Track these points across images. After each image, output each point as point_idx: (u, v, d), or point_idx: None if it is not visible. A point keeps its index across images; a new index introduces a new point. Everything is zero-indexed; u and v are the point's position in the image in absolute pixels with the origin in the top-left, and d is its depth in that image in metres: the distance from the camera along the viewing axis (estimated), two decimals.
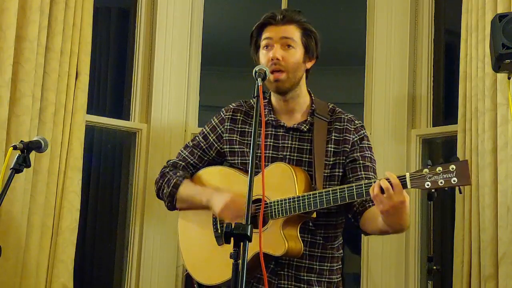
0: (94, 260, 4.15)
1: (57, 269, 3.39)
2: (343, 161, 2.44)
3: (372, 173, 2.43)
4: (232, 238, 1.89)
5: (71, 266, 3.44)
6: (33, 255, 3.29)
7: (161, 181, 2.59)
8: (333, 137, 2.46)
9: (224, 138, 2.54)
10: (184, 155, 2.62)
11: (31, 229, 3.29)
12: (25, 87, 3.27)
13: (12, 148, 2.43)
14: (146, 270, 3.83)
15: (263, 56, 2.43)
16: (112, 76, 4.28)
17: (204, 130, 2.62)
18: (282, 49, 2.41)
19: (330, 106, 2.54)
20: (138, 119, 4.01)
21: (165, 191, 2.56)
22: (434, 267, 3.30)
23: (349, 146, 2.44)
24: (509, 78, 3.05)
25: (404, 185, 2.13)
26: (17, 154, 2.44)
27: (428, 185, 2.12)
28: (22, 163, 2.42)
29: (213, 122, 2.60)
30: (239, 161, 2.50)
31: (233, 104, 2.61)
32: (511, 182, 3.24)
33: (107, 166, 4.28)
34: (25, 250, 3.26)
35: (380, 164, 4.02)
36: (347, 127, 2.47)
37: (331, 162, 2.43)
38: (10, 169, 2.41)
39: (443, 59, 4.11)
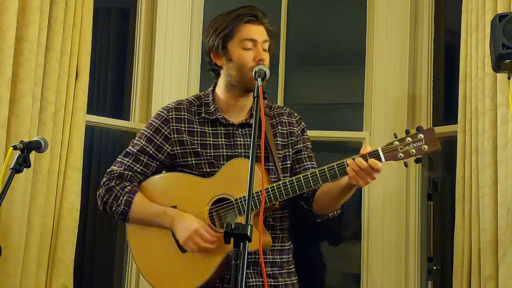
0: (94, 260, 4.15)
1: (57, 269, 3.39)
2: (290, 152, 2.53)
3: (314, 163, 2.56)
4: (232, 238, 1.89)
5: (71, 266, 3.44)
6: (33, 255, 3.29)
7: (107, 196, 2.49)
8: (279, 130, 2.54)
9: (172, 139, 2.49)
10: (128, 164, 2.52)
11: (31, 229, 3.29)
12: (25, 87, 3.27)
13: (12, 148, 2.43)
14: None
15: (245, 56, 2.43)
16: (112, 76, 4.28)
17: (145, 133, 2.53)
18: (263, 50, 2.46)
19: (265, 103, 2.59)
20: (138, 119, 4.00)
21: (113, 208, 2.47)
22: (434, 267, 3.30)
23: (295, 138, 2.55)
24: (509, 78, 3.04)
25: (379, 159, 2.21)
26: (17, 154, 2.44)
27: (401, 156, 2.22)
28: (22, 163, 2.43)
29: (154, 124, 2.52)
30: (193, 162, 2.47)
31: (171, 103, 2.57)
32: (511, 182, 3.23)
33: (107, 166, 4.26)
34: (25, 250, 3.26)
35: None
36: (290, 120, 2.58)
37: (282, 155, 2.52)
38: (10, 169, 2.41)
39: (443, 59, 4.11)
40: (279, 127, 2.54)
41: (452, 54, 3.95)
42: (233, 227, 1.87)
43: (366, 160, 2.19)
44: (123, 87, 4.17)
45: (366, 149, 2.23)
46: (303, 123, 2.61)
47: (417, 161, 2.21)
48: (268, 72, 2.32)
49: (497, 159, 3.30)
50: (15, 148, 2.43)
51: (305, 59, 4.52)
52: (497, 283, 3.21)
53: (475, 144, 3.42)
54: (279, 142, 2.52)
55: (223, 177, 2.41)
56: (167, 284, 2.44)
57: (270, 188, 2.31)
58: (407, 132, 2.21)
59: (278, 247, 2.49)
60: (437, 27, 4.08)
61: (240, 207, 2.35)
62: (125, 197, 2.44)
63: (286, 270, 2.52)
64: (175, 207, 2.44)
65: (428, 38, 4.06)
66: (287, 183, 2.31)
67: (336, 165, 2.26)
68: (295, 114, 2.62)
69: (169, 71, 4.03)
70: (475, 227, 3.36)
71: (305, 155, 2.55)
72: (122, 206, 2.44)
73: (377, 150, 2.21)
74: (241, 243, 1.86)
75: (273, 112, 2.57)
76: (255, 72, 2.29)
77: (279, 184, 2.31)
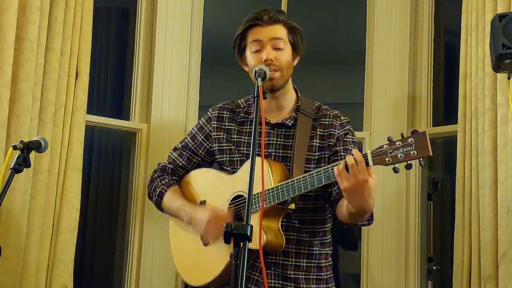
0: (94, 260, 4.15)
1: (57, 269, 3.39)
2: (327, 155, 2.47)
3: None
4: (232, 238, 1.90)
5: (71, 266, 3.44)
6: (33, 255, 3.29)
7: (150, 187, 2.68)
8: (318, 132, 2.49)
9: (212, 137, 2.59)
10: (173, 157, 2.68)
11: (31, 229, 3.29)
12: (25, 87, 3.27)
13: (12, 148, 2.43)
14: (146, 270, 3.83)
15: (254, 58, 2.44)
16: (112, 76, 4.28)
17: (192, 130, 2.68)
18: (273, 49, 2.44)
19: (316, 104, 2.58)
20: (138, 119, 4.00)
21: (153, 199, 2.66)
22: (434, 267, 3.30)
23: (334, 140, 2.48)
24: (509, 78, 3.04)
25: (367, 163, 2.12)
26: (17, 154, 2.44)
27: (389, 160, 2.10)
28: (22, 163, 2.43)
29: (200, 122, 2.66)
30: (227, 159, 2.54)
31: (220, 103, 2.66)
32: (511, 182, 3.24)
33: (107, 166, 4.28)
34: (25, 250, 3.26)
35: (379, 165, 4.01)
36: (333, 122, 2.51)
37: (316, 157, 2.47)
38: (10, 169, 2.41)
39: (443, 59, 4.12)
40: (319, 129, 2.49)
41: (452, 54, 3.95)
42: (233, 226, 1.87)
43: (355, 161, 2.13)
44: (123, 87, 4.17)
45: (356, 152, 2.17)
46: (348, 127, 2.52)
47: (407, 167, 2.08)
48: (268, 72, 2.31)
49: (497, 159, 3.30)
50: (15, 148, 2.43)
51: (305, 59, 4.52)
52: (497, 283, 3.21)
53: (475, 144, 3.43)
54: (316, 144, 2.47)
55: (242, 174, 2.45)
56: (189, 274, 2.56)
57: (274, 188, 2.31)
58: (402, 135, 2.11)
59: (305, 251, 2.46)
60: (437, 27, 4.08)
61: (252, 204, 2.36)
62: (159, 189, 2.62)
63: (314, 277, 2.46)
64: (204, 201, 2.55)
65: (428, 38, 4.06)
66: (289, 183, 2.30)
67: (330, 167, 2.23)
68: (341, 118, 2.53)
69: (169, 71, 4.03)
70: (475, 227, 3.36)
71: (342, 157, 2.44)
72: (156, 197, 2.62)
73: (366, 154, 2.14)
74: (241, 243, 1.86)
75: (318, 114, 2.53)
76: (255, 72, 2.29)
77: (282, 184, 2.31)
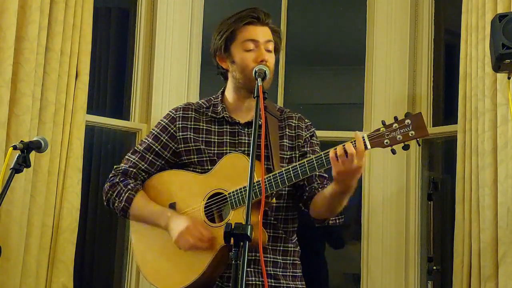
0: (94, 260, 4.15)
1: (57, 269, 3.39)
2: (297, 155, 2.52)
3: None
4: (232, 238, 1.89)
5: (71, 266, 3.44)
6: (33, 255, 3.29)
7: (110, 192, 2.53)
8: (287, 133, 2.53)
9: (178, 137, 2.52)
10: (134, 161, 2.54)
11: (31, 229, 3.29)
12: (25, 87, 3.27)
13: (12, 148, 2.43)
14: None
15: (247, 57, 2.42)
16: (112, 76, 4.28)
17: (153, 131, 2.56)
18: (266, 51, 2.45)
19: (278, 107, 2.63)
20: (138, 119, 4.01)
21: (116, 204, 2.51)
22: (434, 267, 3.30)
23: (302, 142, 2.54)
24: (509, 78, 3.04)
25: (365, 147, 2.17)
26: (17, 154, 2.44)
27: (387, 142, 2.16)
28: (22, 163, 2.42)
29: (162, 122, 2.56)
30: (195, 159, 2.49)
31: (180, 104, 2.61)
32: (511, 182, 3.23)
33: (107, 166, 4.28)
34: (25, 250, 3.26)
35: (380, 165, 4.02)
36: (299, 124, 2.57)
37: (287, 156, 2.50)
38: (10, 169, 2.41)
39: (443, 59, 4.12)
40: (287, 130, 2.54)
41: (452, 54, 3.95)
42: (233, 226, 1.87)
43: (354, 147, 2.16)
44: (123, 87, 4.17)
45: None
46: (313, 129, 2.60)
47: (405, 147, 2.15)
48: (268, 72, 2.32)
49: (497, 159, 3.30)
50: (15, 148, 2.43)
51: (305, 59, 4.52)
52: (497, 283, 3.21)
53: (475, 144, 3.43)
54: (286, 143, 2.51)
55: (219, 172, 2.42)
56: (162, 279, 2.45)
57: (272, 175, 2.30)
58: (396, 118, 2.17)
59: (281, 248, 2.48)
60: (437, 27, 4.08)
61: (233, 200, 2.35)
62: (126, 194, 2.48)
63: (290, 274, 2.49)
64: (174, 203, 2.46)
65: (428, 38, 4.06)
66: (277, 174, 2.30)
67: (323, 154, 2.25)
68: (306, 120, 2.61)
69: (169, 71, 4.03)
70: (475, 227, 3.36)
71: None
72: (123, 203, 2.48)
73: (362, 137, 2.17)
74: (241, 243, 1.86)
75: (283, 116, 2.57)
76: (255, 72, 2.30)
77: (270, 176, 2.30)
